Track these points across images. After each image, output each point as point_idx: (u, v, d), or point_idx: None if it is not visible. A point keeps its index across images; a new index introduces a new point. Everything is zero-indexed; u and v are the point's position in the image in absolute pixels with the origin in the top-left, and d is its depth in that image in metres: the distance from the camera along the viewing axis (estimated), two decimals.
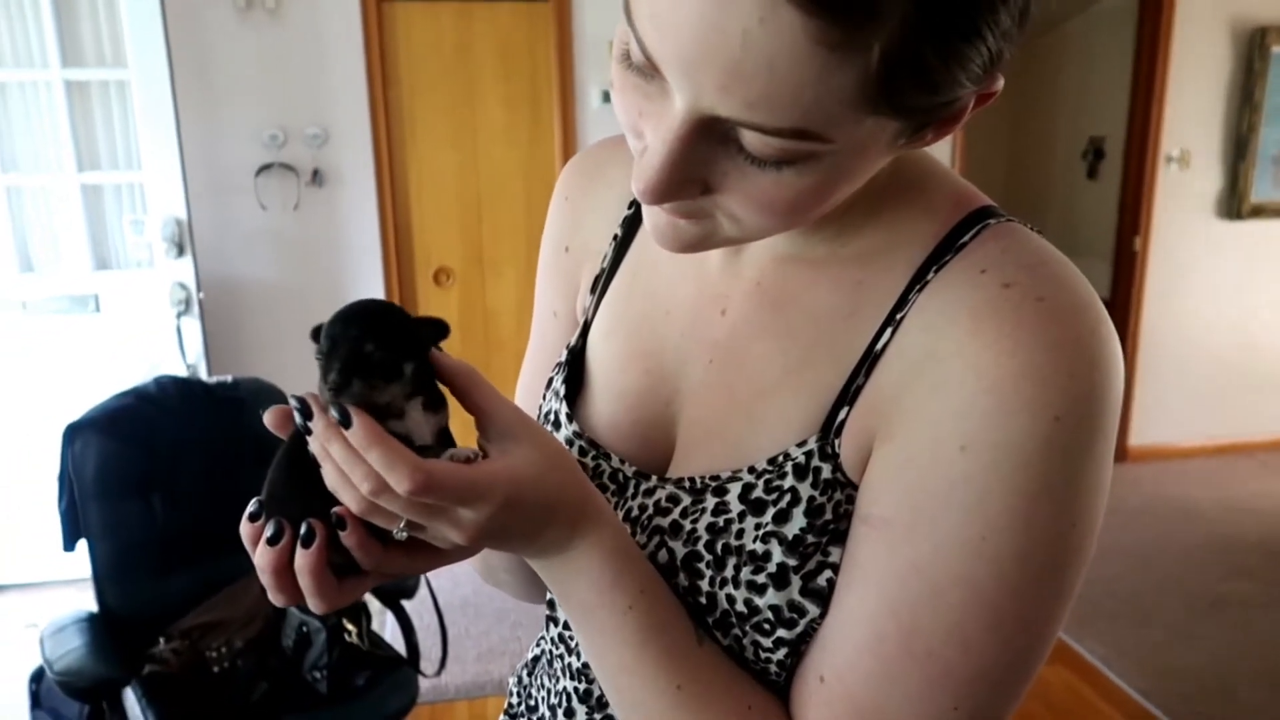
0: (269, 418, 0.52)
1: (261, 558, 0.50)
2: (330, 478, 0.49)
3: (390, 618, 2.28)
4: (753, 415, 0.59)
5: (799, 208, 0.48)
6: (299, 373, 3.47)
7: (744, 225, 0.50)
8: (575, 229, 0.73)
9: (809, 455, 0.55)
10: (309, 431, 0.48)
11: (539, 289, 0.77)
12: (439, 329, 0.50)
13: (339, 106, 3.45)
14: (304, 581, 0.50)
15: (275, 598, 0.51)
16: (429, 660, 2.20)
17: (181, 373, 2.92)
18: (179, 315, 3.07)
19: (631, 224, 0.69)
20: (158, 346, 3.15)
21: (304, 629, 2.04)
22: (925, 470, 0.50)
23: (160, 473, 2.12)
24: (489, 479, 0.49)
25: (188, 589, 2.08)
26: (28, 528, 3.19)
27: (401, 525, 0.49)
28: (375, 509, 0.48)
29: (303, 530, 0.49)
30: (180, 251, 3.07)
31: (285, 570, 0.50)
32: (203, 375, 3.01)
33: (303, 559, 0.49)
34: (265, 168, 3.42)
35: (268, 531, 0.50)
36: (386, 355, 0.48)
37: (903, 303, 0.54)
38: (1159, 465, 4.46)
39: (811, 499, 0.54)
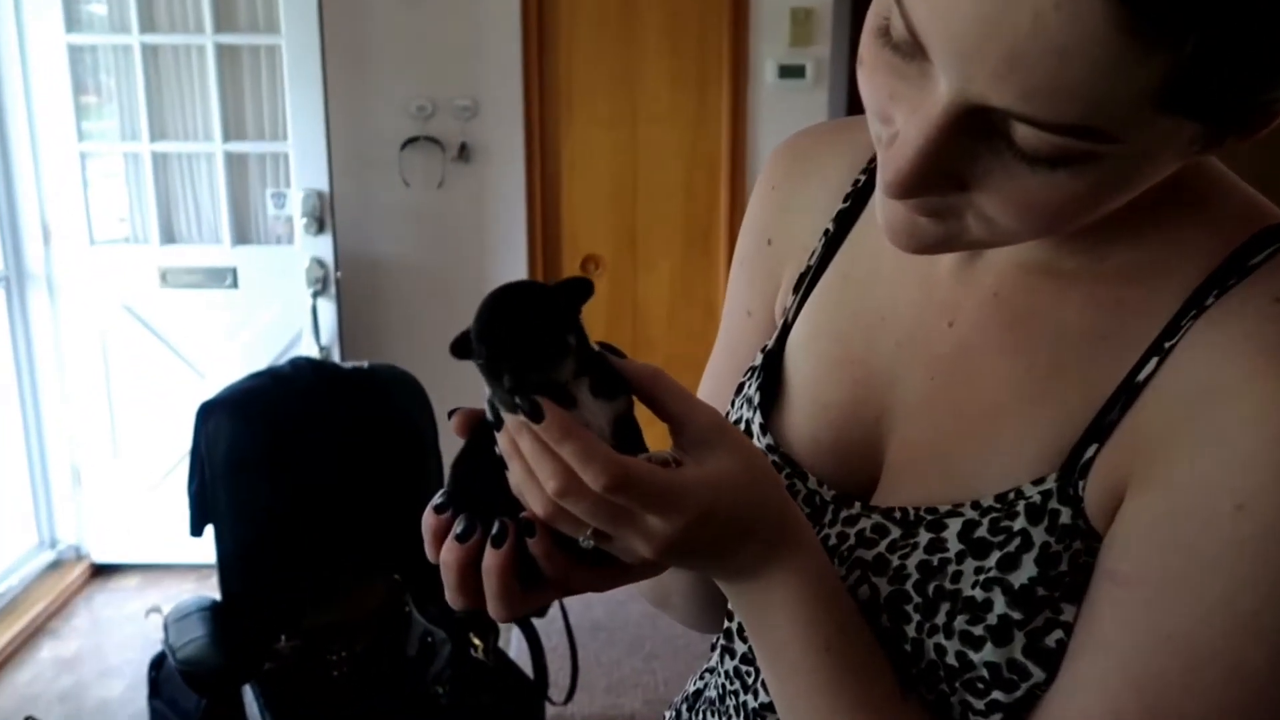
0: (456, 423, 0.53)
1: (448, 554, 0.52)
2: (516, 477, 0.50)
3: (517, 636, 2.34)
4: (980, 443, 0.57)
5: (1066, 214, 0.47)
6: (436, 360, 3.55)
7: (996, 229, 0.49)
8: (781, 220, 0.73)
9: (1046, 495, 0.53)
10: (499, 427, 0.50)
11: (733, 284, 0.77)
12: (583, 288, 0.50)
13: (491, 78, 3.57)
14: (490, 583, 0.51)
15: (454, 599, 0.53)
16: (556, 687, 2.24)
17: (316, 355, 3.08)
18: (315, 294, 3.24)
19: (846, 219, 0.68)
20: (293, 326, 3.34)
21: (429, 639, 2.12)
22: (1191, 528, 0.48)
23: (291, 459, 2.24)
24: (684, 486, 0.49)
25: (311, 585, 2.19)
26: (155, 508, 3.44)
27: (588, 533, 0.50)
28: (561, 513, 0.49)
29: (494, 529, 0.51)
30: (320, 227, 3.25)
31: (470, 569, 0.52)
32: (336, 358, 3.17)
33: (492, 559, 0.51)
34: (411, 141, 3.57)
35: (457, 527, 0.52)
36: (550, 333, 0.48)
37: (1174, 329, 0.51)
38: None
39: (1045, 546, 0.53)
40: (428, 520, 0.53)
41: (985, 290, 0.60)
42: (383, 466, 2.30)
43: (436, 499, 0.53)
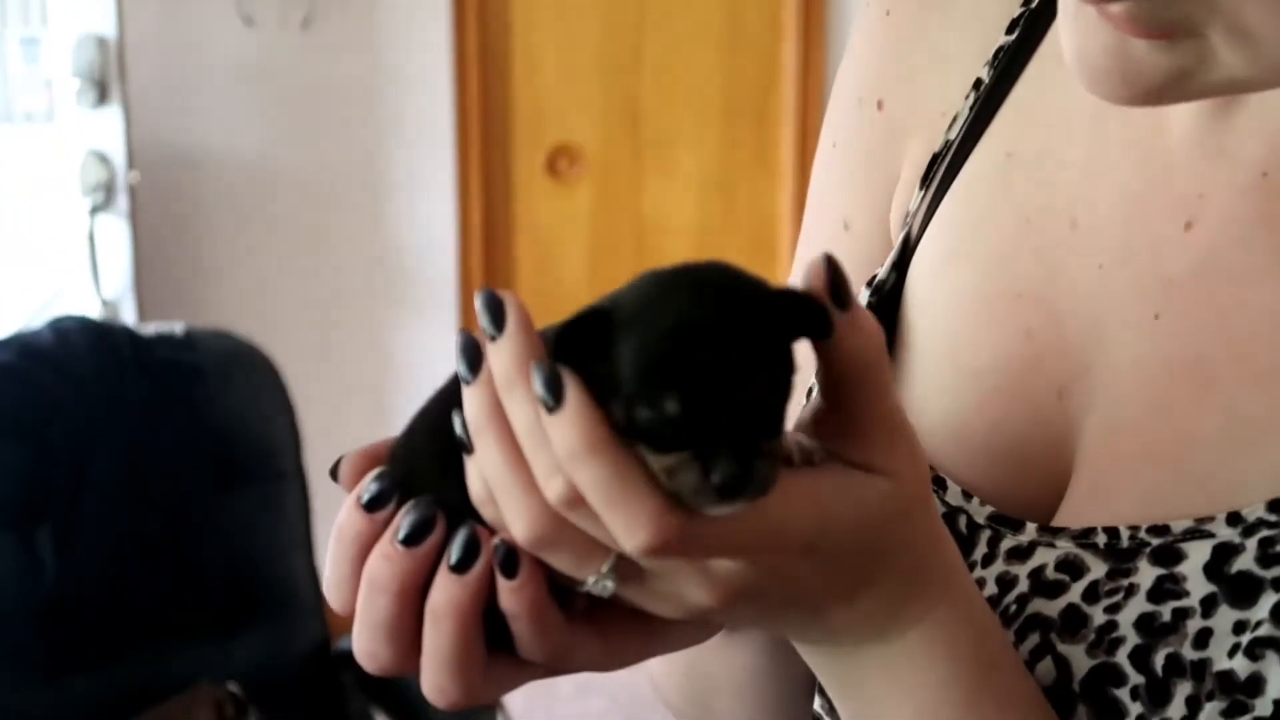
0: (347, 471, 0.54)
1: (382, 565, 0.50)
2: (486, 469, 0.48)
3: None
4: (1240, 420, 0.58)
5: None
6: (300, 322, 3.57)
7: (1262, 54, 0.49)
8: (900, 71, 0.74)
9: None
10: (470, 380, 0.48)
11: (818, 181, 0.78)
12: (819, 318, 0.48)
13: None
14: (443, 631, 0.50)
15: (373, 650, 0.52)
16: None
17: (95, 313, 3.08)
18: (94, 210, 3.24)
19: (1011, 61, 0.69)
20: (56, 263, 3.34)
21: None
22: None
23: (55, 488, 2.24)
24: (781, 515, 0.47)
25: (92, 699, 2.20)
26: None
27: (606, 568, 0.49)
28: (562, 531, 0.47)
29: (459, 542, 0.50)
30: (102, 97, 3.24)
31: (413, 599, 0.50)
32: (129, 319, 3.17)
33: (451, 590, 0.49)
34: None
35: (405, 522, 0.50)
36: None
37: None
38: None
39: None
40: (350, 524, 0.52)
41: (1248, 169, 0.61)
42: (210, 497, 2.31)
43: (372, 485, 0.52)
